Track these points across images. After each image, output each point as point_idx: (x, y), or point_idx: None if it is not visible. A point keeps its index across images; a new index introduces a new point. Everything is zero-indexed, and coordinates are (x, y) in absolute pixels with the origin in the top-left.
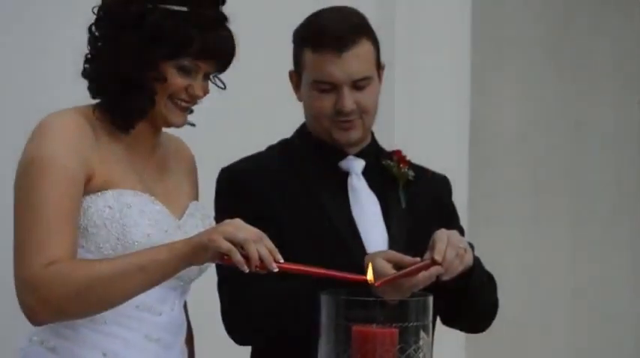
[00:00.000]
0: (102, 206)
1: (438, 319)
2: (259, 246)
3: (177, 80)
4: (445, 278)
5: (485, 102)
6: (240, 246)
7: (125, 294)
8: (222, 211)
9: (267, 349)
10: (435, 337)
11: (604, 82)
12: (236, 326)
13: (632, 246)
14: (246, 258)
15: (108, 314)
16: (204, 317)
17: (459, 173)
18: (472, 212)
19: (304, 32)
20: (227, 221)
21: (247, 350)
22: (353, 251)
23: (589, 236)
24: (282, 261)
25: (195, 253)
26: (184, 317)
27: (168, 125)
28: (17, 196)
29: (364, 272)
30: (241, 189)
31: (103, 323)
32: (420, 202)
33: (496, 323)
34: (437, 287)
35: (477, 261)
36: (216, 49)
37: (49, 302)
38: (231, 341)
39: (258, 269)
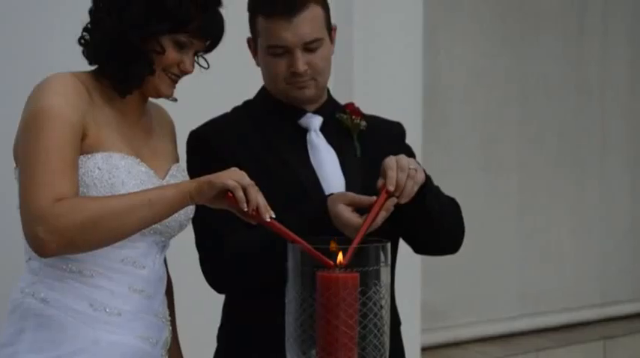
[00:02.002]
0: (92, 167)
1: (398, 260)
2: (259, 195)
3: (172, 54)
4: (403, 201)
5: (437, 60)
6: (244, 188)
7: (132, 227)
8: (194, 171)
9: (240, 295)
10: (394, 278)
11: (549, 37)
12: (214, 276)
13: (573, 194)
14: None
15: (95, 268)
16: (183, 270)
17: (413, 127)
18: (426, 164)
19: (257, 0)
20: (232, 168)
21: (220, 297)
22: (314, 199)
23: (535, 184)
24: (274, 216)
25: (200, 190)
26: (165, 270)
27: (158, 95)
28: (22, 144)
29: (326, 216)
30: (209, 148)
31: (90, 277)
32: (375, 149)
33: (450, 264)
34: (398, 214)
35: (429, 179)
36: (211, 30)
37: (59, 234)
38: (204, 292)
39: (253, 213)
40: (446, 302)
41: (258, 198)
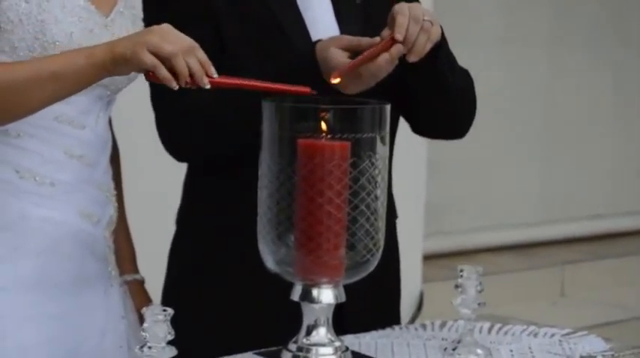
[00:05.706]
0: None
1: (398, 149)
2: (189, 58)
3: None
4: (412, 59)
5: None
6: (167, 60)
7: (38, 103)
8: (151, 10)
9: (205, 166)
10: (392, 159)
11: None
12: (172, 140)
13: (615, 68)
14: (175, 74)
15: (22, 127)
16: (134, 134)
17: None
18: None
19: None
20: (153, 28)
21: (180, 167)
22: (300, 50)
23: (566, 60)
24: (215, 75)
25: (115, 64)
26: (110, 132)
27: None
28: None
29: (313, 64)
30: None
31: (16, 137)
32: None
33: (459, 157)
34: (402, 78)
35: (445, 40)
36: None
37: None
38: (164, 163)
39: (189, 85)
40: (453, 202)
41: (190, 64)
